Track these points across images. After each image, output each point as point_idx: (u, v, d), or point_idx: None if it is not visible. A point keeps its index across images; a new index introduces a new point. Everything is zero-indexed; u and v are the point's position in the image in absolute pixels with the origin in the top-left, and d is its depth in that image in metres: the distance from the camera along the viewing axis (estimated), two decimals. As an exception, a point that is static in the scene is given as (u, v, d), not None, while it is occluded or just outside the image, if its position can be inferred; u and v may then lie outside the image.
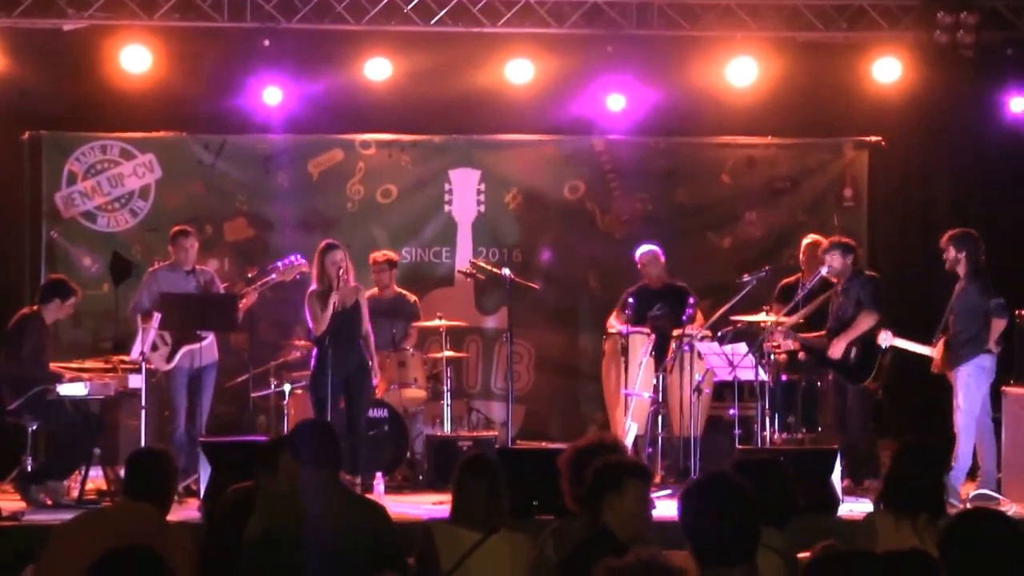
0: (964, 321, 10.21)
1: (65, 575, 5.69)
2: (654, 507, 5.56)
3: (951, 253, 10.29)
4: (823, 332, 10.82)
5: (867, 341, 10.59)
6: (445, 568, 5.85)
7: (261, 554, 5.92)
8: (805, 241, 11.62)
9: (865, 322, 10.60)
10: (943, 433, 10.19)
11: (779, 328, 10.72)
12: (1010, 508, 9.76)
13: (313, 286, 10.63)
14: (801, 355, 11.22)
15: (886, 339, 10.46)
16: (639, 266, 11.68)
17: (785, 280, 11.59)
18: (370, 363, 10.66)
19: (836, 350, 10.61)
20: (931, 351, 10.37)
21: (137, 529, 5.86)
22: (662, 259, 11.66)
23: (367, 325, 10.73)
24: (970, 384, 10.16)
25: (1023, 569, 4.18)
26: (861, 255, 11.14)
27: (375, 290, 11.65)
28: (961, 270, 10.28)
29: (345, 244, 10.96)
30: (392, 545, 6.06)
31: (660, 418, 11.05)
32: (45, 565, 6.03)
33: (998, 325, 10.17)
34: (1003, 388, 10.69)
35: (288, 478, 6.34)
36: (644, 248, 11.73)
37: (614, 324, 11.46)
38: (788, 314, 10.88)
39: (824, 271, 10.82)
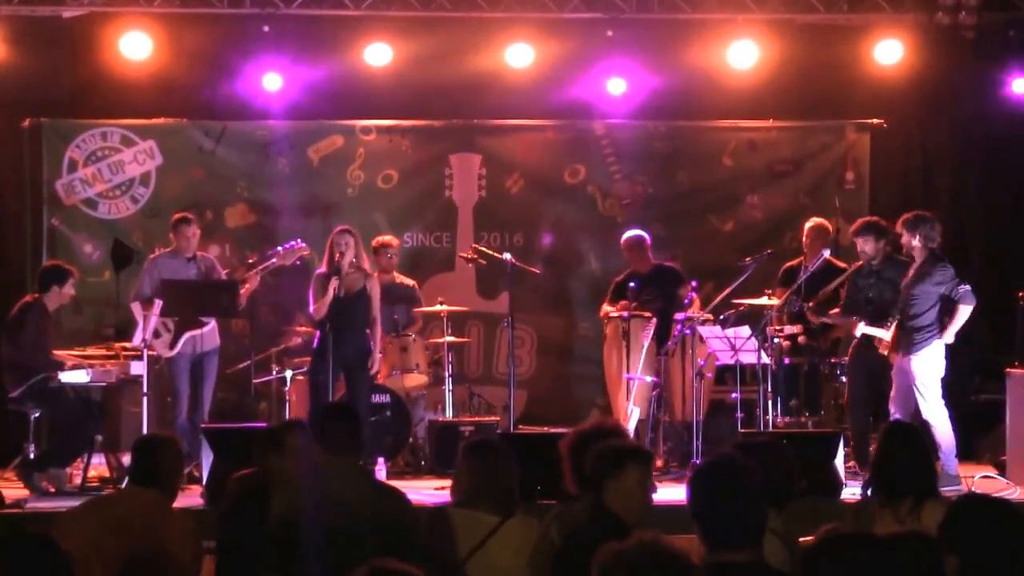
0: (921, 306, 9.99)
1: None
2: (655, 490, 5.56)
3: (905, 238, 10.07)
4: (837, 310, 10.71)
5: None
6: (460, 552, 5.84)
7: (283, 537, 5.92)
8: (808, 224, 11.59)
9: None
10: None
11: (808, 308, 10.61)
12: (1014, 491, 9.76)
13: (320, 269, 10.65)
14: (802, 339, 11.18)
15: (860, 329, 10.27)
16: (624, 252, 11.66)
17: (788, 263, 11.56)
18: (371, 352, 10.63)
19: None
20: (887, 334, 10.19)
21: (142, 516, 5.87)
22: (647, 243, 11.63)
23: (375, 312, 10.70)
24: (927, 370, 9.92)
25: (1020, 555, 4.20)
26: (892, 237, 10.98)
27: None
28: (918, 254, 10.09)
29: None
30: (410, 531, 6.05)
31: (662, 402, 11.05)
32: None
33: (963, 311, 9.90)
34: (1007, 370, 10.67)
35: (295, 461, 6.36)
36: (628, 234, 11.71)
37: (608, 311, 11.43)
38: (792, 296, 10.83)
39: (826, 254, 10.76)
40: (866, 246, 10.50)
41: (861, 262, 10.59)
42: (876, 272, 10.54)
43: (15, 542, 4.07)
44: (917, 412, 9.82)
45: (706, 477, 4.31)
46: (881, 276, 10.53)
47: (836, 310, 10.69)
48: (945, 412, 9.91)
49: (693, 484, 4.31)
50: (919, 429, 6.34)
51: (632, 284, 11.24)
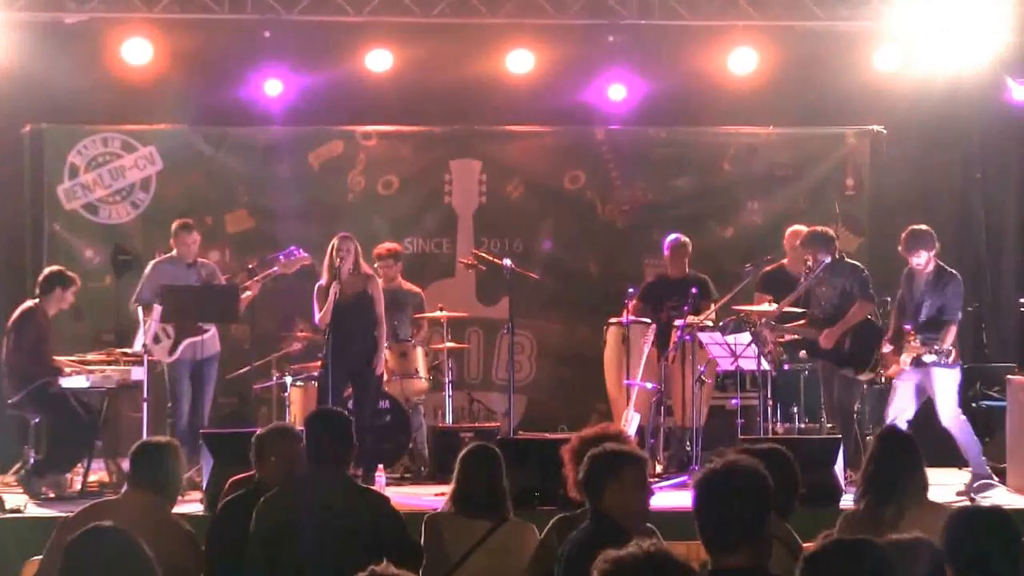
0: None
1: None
2: (652, 494, 5.56)
3: (921, 255, 10.07)
4: (803, 321, 10.74)
5: (861, 331, 10.54)
6: (453, 558, 5.86)
7: (267, 541, 5.93)
8: (789, 230, 11.60)
9: (858, 313, 10.53)
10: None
11: (762, 321, 10.63)
12: (1001, 489, 9.78)
13: (321, 280, 10.63)
14: (802, 353, 11.17)
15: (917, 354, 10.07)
16: (666, 253, 11.61)
17: (766, 268, 11.49)
18: (374, 359, 10.62)
19: (828, 341, 10.51)
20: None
21: (142, 520, 5.86)
22: (689, 249, 11.61)
23: (379, 313, 10.68)
24: (952, 378, 10.04)
25: (1014, 565, 4.22)
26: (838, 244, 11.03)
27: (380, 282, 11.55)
28: (931, 267, 10.12)
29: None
30: (398, 532, 6.06)
31: (662, 408, 11.05)
32: (50, 557, 6.04)
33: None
34: (1007, 377, 10.67)
35: (278, 466, 6.38)
36: (672, 236, 11.64)
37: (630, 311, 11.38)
38: (791, 304, 10.82)
39: (827, 260, 10.73)
40: (819, 255, 10.54)
41: (818, 272, 10.61)
42: (826, 280, 10.60)
43: (94, 533, 4.14)
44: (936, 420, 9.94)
45: (706, 478, 4.33)
46: (829, 283, 10.62)
47: (803, 322, 10.71)
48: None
49: (695, 485, 4.34)
50: (913, 438, 6.31)
51: (631, 290, 11.23)
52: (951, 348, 9.97)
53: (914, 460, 5.98)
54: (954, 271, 10.27)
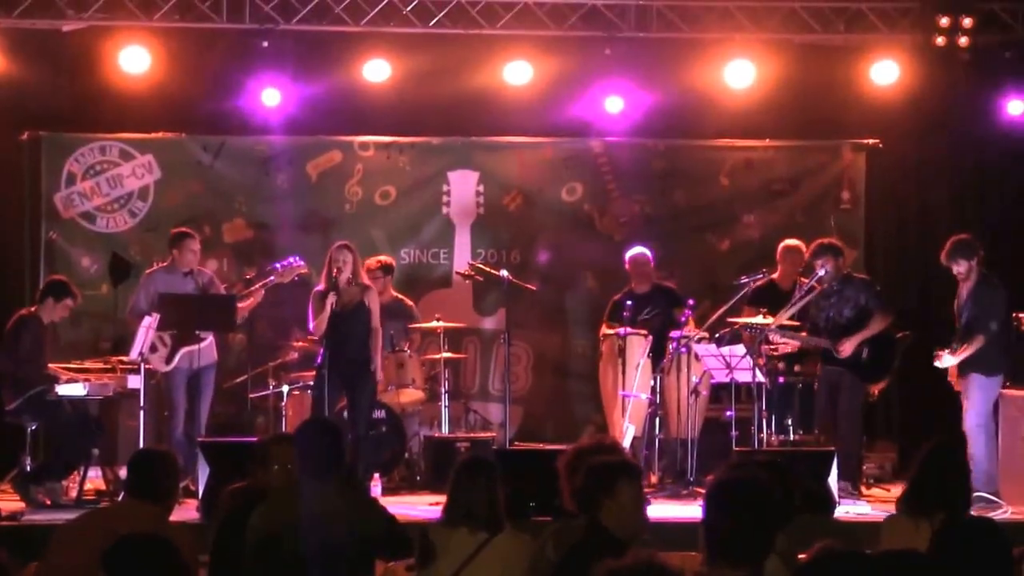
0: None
1: (67, 575, 5.72)
2: (649, 503, 5.59)
3: (961, 264, 10.17)
4: (803, 333, 10.78)
5: (877, 341, 10.60)
6: (447, 570, 5.87)
7: (262, 551, 5.95)
8: (782, 244, 11.64)
9: (879, 324, 10.59)
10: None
11: (769, 328, 10.65)
12: (1006, 511, 9.77)
13: (319, 286, 10.65)
14: (797, 367, 11.21)
15: (946, 361, 10.25)
16: (628, 268, 11.69)
17: (757, 283, 11.46)
18: (373, 364, 10.65)
19: (847, 349, 10.55)
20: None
21: (139, 529, 5.88)
22: (651, 261, 11.69)
23: (375, 324, 10.70)
24: (982, 386, 10.14)
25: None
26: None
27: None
28: (972, 277, 10.21)
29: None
30: (392, 529, 6.10)
31: (657, 420, 11.07)
32: (47, 564, 6.05)
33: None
34: (1000, 391, 10.68)
35: (281, 473, 6.42)
36: (633, 251, 11.75)
37: (606, 332, 11.45)
38: (790, 317, 10.85)
39: (821, 273, 10.76)
40: (827, 265, 10.59)
41: (824, 283, 10.64)
42: (837, 292, 10.65)
43: (132, 542, 4.18)
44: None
45: (722, 490, 4.34)
46: (842, 295, 10.65)
47: (803, 333, 10.76)
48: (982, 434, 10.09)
49: (708, 495, 4.37)
50: (959, 448, 6.33)
51: (628, 303, 11.26)
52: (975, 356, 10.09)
53: (962, 470, 6.01)
54: (995, 281, 10.32)
